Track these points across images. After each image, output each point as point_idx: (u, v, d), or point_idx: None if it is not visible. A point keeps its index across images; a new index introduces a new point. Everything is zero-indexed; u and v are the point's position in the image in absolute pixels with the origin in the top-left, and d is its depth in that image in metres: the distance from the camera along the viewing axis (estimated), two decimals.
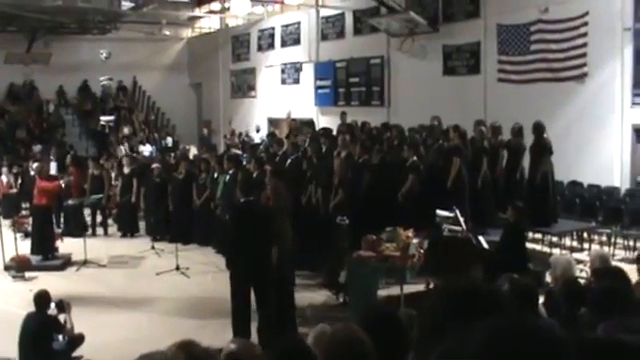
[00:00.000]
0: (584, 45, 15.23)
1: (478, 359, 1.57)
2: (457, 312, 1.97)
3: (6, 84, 30.10)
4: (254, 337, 9.11)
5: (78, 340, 8.60)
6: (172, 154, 21.51)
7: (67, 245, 15.51)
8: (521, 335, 1.58)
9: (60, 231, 16.72)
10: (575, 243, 13.94)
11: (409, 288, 10.29)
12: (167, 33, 32.91)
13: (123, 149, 24.69)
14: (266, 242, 9.44)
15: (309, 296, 11.66)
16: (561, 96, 15.66)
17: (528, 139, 13.44)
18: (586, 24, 15.12)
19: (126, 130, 28.41)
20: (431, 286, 10.35)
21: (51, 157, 20.88)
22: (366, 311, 4.44)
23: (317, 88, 24.30)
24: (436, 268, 9.62)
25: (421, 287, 10.62)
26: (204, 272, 13.76)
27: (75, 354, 8.67)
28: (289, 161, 15.37)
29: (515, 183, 13.66)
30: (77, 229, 16.79)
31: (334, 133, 17.27)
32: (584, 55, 15.27)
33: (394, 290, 10.46)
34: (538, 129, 13.18)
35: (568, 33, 15.52)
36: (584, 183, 15.18)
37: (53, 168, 19.53)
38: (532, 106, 15.38)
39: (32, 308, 11.39)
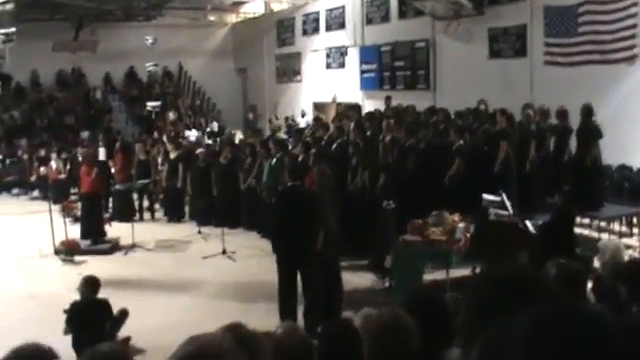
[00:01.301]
0: (634, 26, 14.93)
1: (527, 345, 1.55)
2: (504, 297, 1.96)
3: (54, 71, 30.55)
4: (300, 321, 9.15)
5: (122, 316, 8.68)
6: (217, 139, 21.64)
7: (115, 229, 15.74)
8: (571, 320, 1.56)
9: (108, 216, 16.97)
10: (624, 228, 13.75)
11: (455, 273, 10.26)
12: (212, 19, 33.03)
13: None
14: (312, 226, 9.46)
15: (355, 280, 11.68)
16: (610, 78, 15.38)
17: (575, 122, 13.28)
18: (636, 4, 14.81)
19: (172, 115, 28.62)
20: (477, 271, 10.30)
21: (99, 143, 21.13)
22: (411, 295, 4.43)
23: (362, 72, 24.19)
24: (482, 253, 9.57)
25: (467, 272, 10.58)
26: (250, 256, 13.85)
27: (122, 334, 8.77)
28: (335, 145, 15.37)
29: (563, 167, 13.51)
30: (126, 214, 17.00)
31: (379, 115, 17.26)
32: (634, 36, 14.98)
33: (440, 275, 10.44)
34: (587, 112, 13.01)
35: (617, 14, 15.22)
36: (633, 167, 14.93)
37: (102, 154, 19.78)
38: (580, 89, 15.15)
39: None
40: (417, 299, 4.04)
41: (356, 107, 22.07)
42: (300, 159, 14.24)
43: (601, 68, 15.58)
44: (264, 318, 8.87)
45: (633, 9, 14.83)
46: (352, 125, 16.29)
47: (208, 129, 28.02)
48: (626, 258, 7.15)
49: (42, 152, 23.11)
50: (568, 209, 10.80)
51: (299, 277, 9.61)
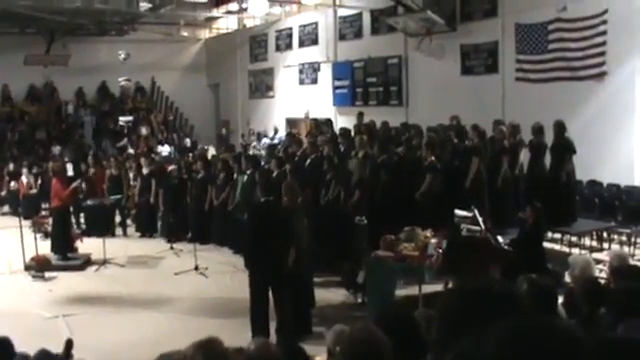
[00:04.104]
0: (603, 44, 15.12)
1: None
2: (475, 313, 1.97)
3: (26, 85, 30.28)
4: (273, 337, 9.12)
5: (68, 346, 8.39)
6: (191, 154, 21.60)
7: (87, 245, 15.59)
8: (538, 335, 1.57)
9: (79, 232, 16.80)
10: (594, 243, 13.86)
11: (427, 288, 10.28)
12: (185, 34, 33.01)
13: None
14: (285, 242, 9.45)
15: (328, 296, 11.67)
16: (580, 95, 15.56)
17: (547, 138, 13.41)
18: (605, 22, 15.02)
19: (144, 131, 28.51)
20: (450, 286, 10.32)
21: (65, 159, 20.94)
22: (383, 313, 4.44)
23: (335, 88, 24.26)
24: (454, 268, 9.59)
25: (439, 287, 10.61)
26: (223, 272, 13.79)
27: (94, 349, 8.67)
28: (309, 161, 15.39)
29: (536, 182, 13.60)
30: (99, 229, 16.79)
31: (352, 133, 17.30)
32: (603, 54, 15.17)
33: (412, 290, 10.45)
34: (560, 128, 13.12)
35: (587, 32, 15.42)
36: (603, 182, 15.07)
37: (69, 169, 19.62)
38: (550, 105, 15.31)
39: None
40: (389, 317, 4.05)
41: (329, 122, 22.09)
42: (275, 175, 14.24)
43: (571, 85, 15.76)
44: (236, 334, 8.82)
45: (602, 27, 15.02)
46: (325, 140, 16.34)
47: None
48: (596, 273, 7.20)
49: (12, 167, 22.90)
50: (538, 224, 10.88)
51: (271, 293, 9.59)
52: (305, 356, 3.86)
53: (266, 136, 25.35)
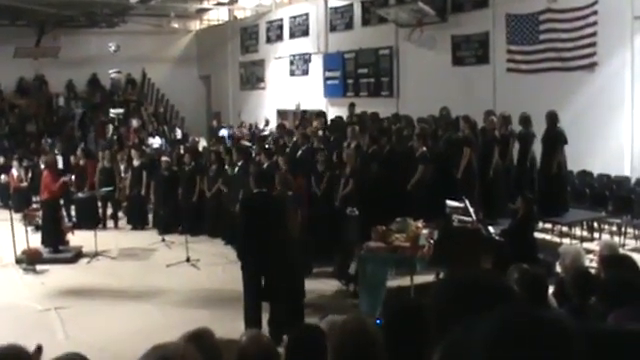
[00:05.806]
0: (594, 34, 15.15)
1: (484, 351, 1.57)
2: (466, 303, 1.97)
3: (16, 78, 30.15)
4: (265, 328, 9.12)
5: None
6: (182, 146, 21.57)
7: (78, 238, 15.56)
8: (528, 326, 1.58)
9: (71, 224, 16.76)
10: (585, 233, 13.91)
11: (419, 279, 10.30)
12: (175, 26, 32.93)
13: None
14: (278, 233, 9.45)
15: (320, 287, 11.68)
16: (571, 86, 15.59)
17: (537, 129, 13.43)
18: (595, 13, 15.04)
19: (135, 123, 28.41)
20: (441, 277, 10.35)
21: (56, 151, 20.85)
22: (390, 304, 4.43)
23: (326, 79, 24.26)
24: (446, 259, 9.61)
25: (431, 278, 10.63)
26: (214, 264, 13.79)
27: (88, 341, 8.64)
28: (300, 152, 15.39)
29: (526, 173, 13.64)
30: (90, 221, 16.76)
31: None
32: (594, 44, 15.20)
33: (404, 281, 10.47)
34: (552, 118, 13.15)
35: (577, 22, 15.44)
36: (594, 173, 15.13)
37: (60, 162, 19.55)
38: (541, 96, 15.33)
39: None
40: (397, 307, 4.01)
41: (322, 114, 22.10)
42: (266, 166, 14.24)
43: (562, 75, 15.80)
44: (228, 326, 8.82)
45: (592, 18, 15.05)
46: (316, 131, 16.36)
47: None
48: (587, 263, 7.23)
49: (3, 160, 22.82)
50: (529, 214, 10.91)
51: (264, 284, 9.59)
52: (324, 343, 3.84)
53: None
